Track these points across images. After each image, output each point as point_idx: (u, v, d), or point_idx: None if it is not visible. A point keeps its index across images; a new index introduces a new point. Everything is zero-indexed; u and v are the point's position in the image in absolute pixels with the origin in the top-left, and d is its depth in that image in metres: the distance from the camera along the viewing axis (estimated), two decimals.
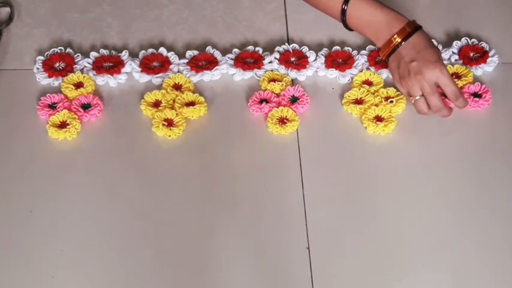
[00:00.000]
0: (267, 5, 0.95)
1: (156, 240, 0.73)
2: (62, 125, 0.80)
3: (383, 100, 0.84)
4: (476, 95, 0.84)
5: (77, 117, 0.81)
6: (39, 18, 0.93)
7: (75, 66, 0.86)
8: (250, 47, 0.89)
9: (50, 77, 0.85)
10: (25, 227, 0.73)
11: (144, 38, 0.91)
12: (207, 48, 0.88)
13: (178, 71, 0.86)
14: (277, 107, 0.82)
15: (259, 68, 0.86)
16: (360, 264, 0.72)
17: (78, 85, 0.84)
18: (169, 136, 0.80)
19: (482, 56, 0.88)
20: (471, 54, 0.88)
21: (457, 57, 0.89)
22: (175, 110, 0.82)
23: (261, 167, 0.79)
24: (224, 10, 0.94)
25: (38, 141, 0.81)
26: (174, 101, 0.83)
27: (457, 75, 0.86)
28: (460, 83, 0.85)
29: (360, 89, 0.84)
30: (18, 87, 0.86)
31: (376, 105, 0.83)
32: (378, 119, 0.81)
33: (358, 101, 0.84)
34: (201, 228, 0.74)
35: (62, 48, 0.88)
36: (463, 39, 0.90)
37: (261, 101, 0.83)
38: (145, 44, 0.90)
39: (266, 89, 0.84)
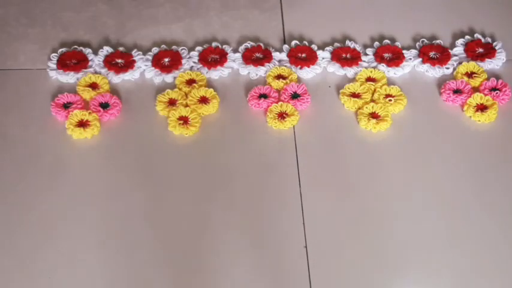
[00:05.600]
0: (263, 4, 0.95)
1: (155, 240, 0.75)
2: (81, 124, 0.83)
3: (382, 97, 0.82)
4: (495, 89, 0.88)
5: (97, 116, 0.83)
6: (35, 17, 0.95)
7: (88, 65, 0.89)
8: (249, 43, 0.92)
9: (64, 72, 0.89)
10: (23, 227, 0.75)
11: (139, 37, 0.94)
12: (213, 43, 0.92)
13: (192, 68, 0.90)
14: (277, 102, 0.85)
15: (268, 62, 0.90)
16: (357, 263, 0.74)
17: (93, 86, 0.87)
18: (186, 134, 0.83)
19: (488, 51, 0.92)
20: (477, 50, 0.92)
21: (464, 54, 0.93)
22: (189, 107, 0.84)
23: (260, 166, 0.81)
24: (220, 9, 0.96)
25: (38, 141, 0.82)
26: (186, 95, 0.86)
27: (469, 75, 0.90)
28: (476, 82, 0.89)
29: (361, 85, 0.87)
30: (19, 87, 0.87)
31: (375, 101, 0.81)
32: (374, 115, 0.83)
33: (355, 95, 0.82)
34: (199, 227, 0.76)
35: (66, 49, 0.91)
36: (466, 36, 0.94)
37: (260, 96, 0.86)
38: (141, 42, 0.93)
39: (270, 84, 0.88)
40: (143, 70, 0.88)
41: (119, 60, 0.89)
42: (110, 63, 0.88)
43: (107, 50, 0.89)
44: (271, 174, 0.79)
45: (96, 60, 0.89)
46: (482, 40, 0.93)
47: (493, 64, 0.90)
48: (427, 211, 0.77)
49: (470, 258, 0.74)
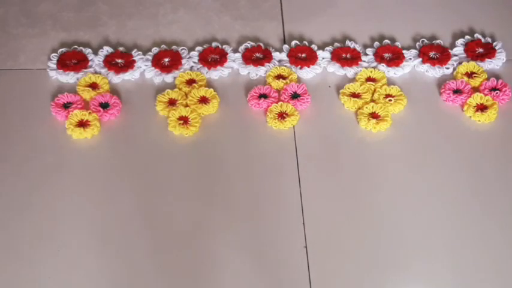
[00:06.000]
0: (263, 4, 0.95)
1: (155, 240, 0.75)
2: (81, 124, 0.83)
3: (382, 97, 0.83)
4: (495, 89, 0.88)
5: (97, 116, 0.84)
6: (35, 17, 0.95)
7: (88, 65, 0.89)
8: (249, 43, 0.92)
9: (64, 72, 0.89)
10: (23, 227, 0.75)
11: (139, 37, 0.94)
12: (213, 43, 0.92)
13: (192, 68, 0.90)
14: (277, 102, 0.85)
15: (268, 62, 0.90)
16: (357, 263, 0.74)
17: (93, 86, 0.87)
18: (186, 134, 0.83)
19: (488, 51, 0.92)
20: (477, 50, 0.93)
21: (464, 54, 0.93)
22: (189, 107, 0.84)
23: (260, 165, 0.81)
24: (220, 8, 0.95)
25: (38, 141, 0.82)
26: (186, 95, 0.86)
27: (469, 75, 0.90)
28: (476, 82, 0.89)
29: (361, 85, 0.87)
30: (19, 87, 0.88)
31: (375, 101, 0.81)
32: (374, 115, 0.83)
33: (355, 95, 0.82)
34: (199, 227, 0.76)
35: (67, 48, 0.91)
36: (466, 36, 0.94)
37: (260, 96, 0.86)
38: (141, 43, 0.93)
39: (269, 84, 0.88)
40: (143, 70, 0.89)
41: (119, 60, 0.89)
42: (109, 63, 0.89)
43: (107, 50, 0.90)
44: (271, 174, 0.79)
45: (96, 60, 0.89)
46: (482, 40, 0.93)
47: (493, 64, 0.90)
48: (427, 211, 0.77)
49: (470, 257, 0.74)
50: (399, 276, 0.73)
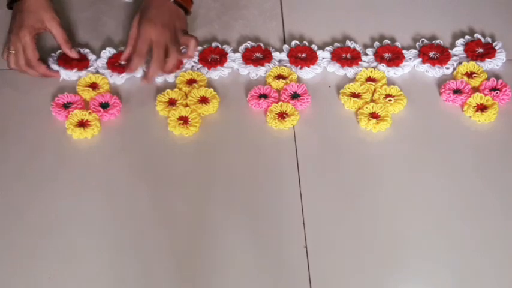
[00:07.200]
0: (263, 4, 0.95)
1: (155, 240, 0.75)
2: (81, 124, 0.83)
3: (382, 97, 0.83)
4: (495, 89, 0.88)
5: (97, 116, 0.84)
6: None
7: (89, 65, 0.90)
8: (249, 43, 0.92)
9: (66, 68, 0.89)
10: (23, 227, 0.75)
11: None
12: (213, 43, 0.93)
13: (192, 68, 0.90)
14: (277, 102, 0.85)
15: (268, 62, 0.90)
16: (357, 263, 0.74)
17: (93, 86, 0.87)
18: (186, 134, 0.83)
19: (488, 51, 0.92)
20: (477, 50, 0.93)
21: (464, 54, 0.93)
22: (189, 107, 0.84)
23: (260, 165, 0.81)
24: (220, 9, 0.96)
25: (38, 141, 0.82)
26: (186, 95, 0.86)
27: (469, 75, 0.90)
28: (476, 82, 0.89)
29: (361, 85, 0.87)
30: (19, 87, 0.88)
31: (375, 101, 0.81)
32: (374, 115, 0.83)
33: (355, 95, 0.82)
34: (199, 227, 0.76)
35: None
36: (466, 36, 0.94)
37: (260, 96, 0.86)
38: None
39: (269, 84, 0.88)
40: (143, 70, 0.88)
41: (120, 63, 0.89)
42: (112, 64, 0.88)
43: (109, 51, 0.89)
44: (271, 174, 0.79)
45: (99, 63, 0.89)
46: (482, 40, 0.93)
47: (493, 64, 0.90)
48: (427, 211, 0.77)
49: (471, 257, 0.74)
50: (400, 276, 0.72)
